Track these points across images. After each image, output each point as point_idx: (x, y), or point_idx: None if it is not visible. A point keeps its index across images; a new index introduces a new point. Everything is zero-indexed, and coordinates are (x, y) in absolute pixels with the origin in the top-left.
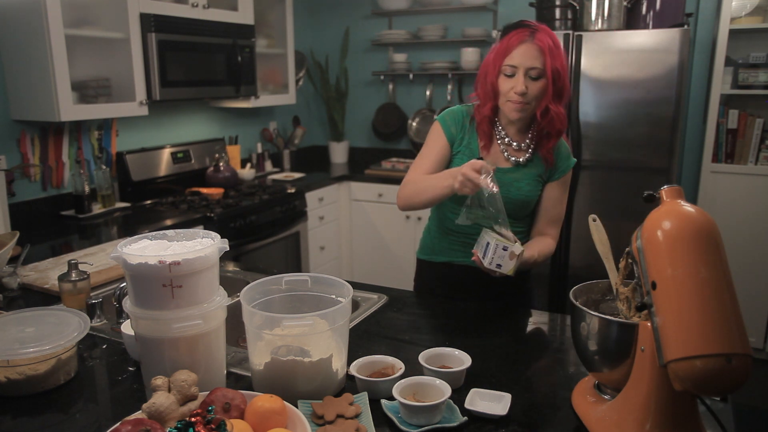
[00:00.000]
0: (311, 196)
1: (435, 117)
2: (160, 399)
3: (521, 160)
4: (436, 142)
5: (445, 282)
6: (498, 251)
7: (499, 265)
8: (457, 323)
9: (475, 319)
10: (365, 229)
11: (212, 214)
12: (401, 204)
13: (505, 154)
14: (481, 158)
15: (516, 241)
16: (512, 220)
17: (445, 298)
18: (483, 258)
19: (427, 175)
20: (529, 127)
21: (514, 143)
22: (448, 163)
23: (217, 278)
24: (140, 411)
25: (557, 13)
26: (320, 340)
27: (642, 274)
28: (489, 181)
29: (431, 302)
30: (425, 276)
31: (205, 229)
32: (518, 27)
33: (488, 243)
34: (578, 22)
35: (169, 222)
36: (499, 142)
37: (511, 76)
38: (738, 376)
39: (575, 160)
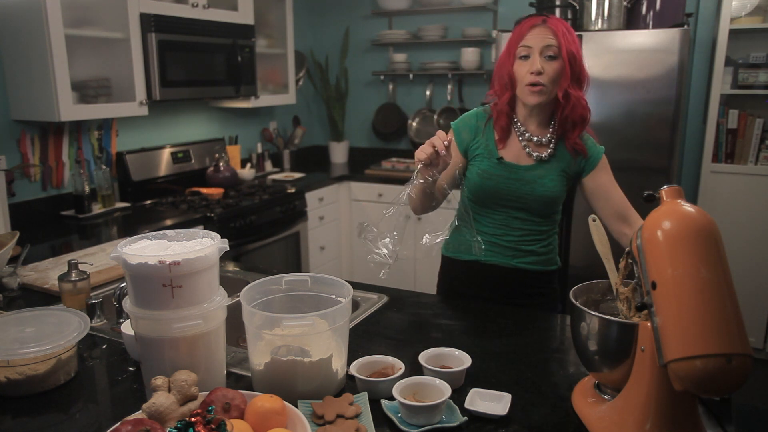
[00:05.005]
0: (311, 196)
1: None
2: (160, 399)
3: (544, 155)
4: None
5: (469, 280)
6: None
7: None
8: (458, 323)
9: (475, 319)
10: None
11: (212, 214)
12: (414, 211)
13: (527, 150)
14: (500, 158)
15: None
16: (538, 218)
17: (462, 299)
18: None
19: None
20: (550, 120)
21: (536, 138)
22: (464, 170)
23: (217, 278)
24: (140, 411)
25: (557, 13)
26: (320, 340)
27: (642, 274)
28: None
29: (431, 302)
30: (449, 273)
31: (205, 229)
32: (529, 16)
33: None
34: (578, 22)
35: (169, 222)
36: (520, 138)
37: (527, 57)
38: (738, 376)
39: (603, 147)
